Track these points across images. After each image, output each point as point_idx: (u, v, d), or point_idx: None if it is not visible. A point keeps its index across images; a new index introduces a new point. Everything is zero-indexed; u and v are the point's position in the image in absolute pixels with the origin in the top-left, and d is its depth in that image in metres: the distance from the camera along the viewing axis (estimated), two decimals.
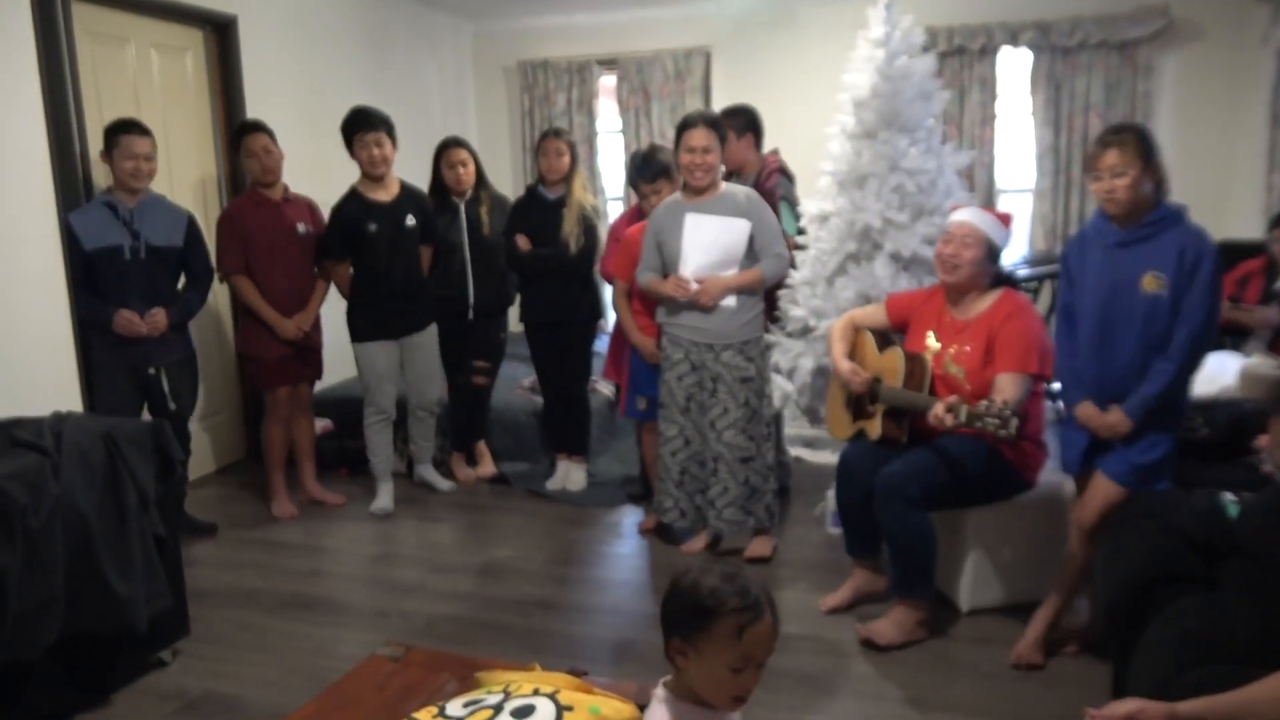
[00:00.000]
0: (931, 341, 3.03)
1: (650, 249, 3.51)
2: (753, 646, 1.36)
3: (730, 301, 3.39)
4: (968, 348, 2.93)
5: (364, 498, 4.38)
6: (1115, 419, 2.60)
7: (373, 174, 4.07)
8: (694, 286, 3.36)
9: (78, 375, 3.10)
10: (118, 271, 3.54)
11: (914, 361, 2.98)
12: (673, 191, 3.60)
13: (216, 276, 4.02)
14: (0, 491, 2.30)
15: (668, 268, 3.47)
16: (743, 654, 1.36)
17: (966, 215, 3.00)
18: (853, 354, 3.23)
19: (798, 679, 2.77)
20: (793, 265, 3.84)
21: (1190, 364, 2.56)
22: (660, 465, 3.61)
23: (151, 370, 3.67)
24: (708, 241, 3.36)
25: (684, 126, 3.38)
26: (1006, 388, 2.79)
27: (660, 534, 3.82)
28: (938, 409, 2.68)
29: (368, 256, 4.10)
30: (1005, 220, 3.04)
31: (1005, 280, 3.07)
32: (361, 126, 4.03)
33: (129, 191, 3.58)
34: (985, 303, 2.98)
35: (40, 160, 2.95)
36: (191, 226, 3.81)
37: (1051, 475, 3.09)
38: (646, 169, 3.75)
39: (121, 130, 3.54)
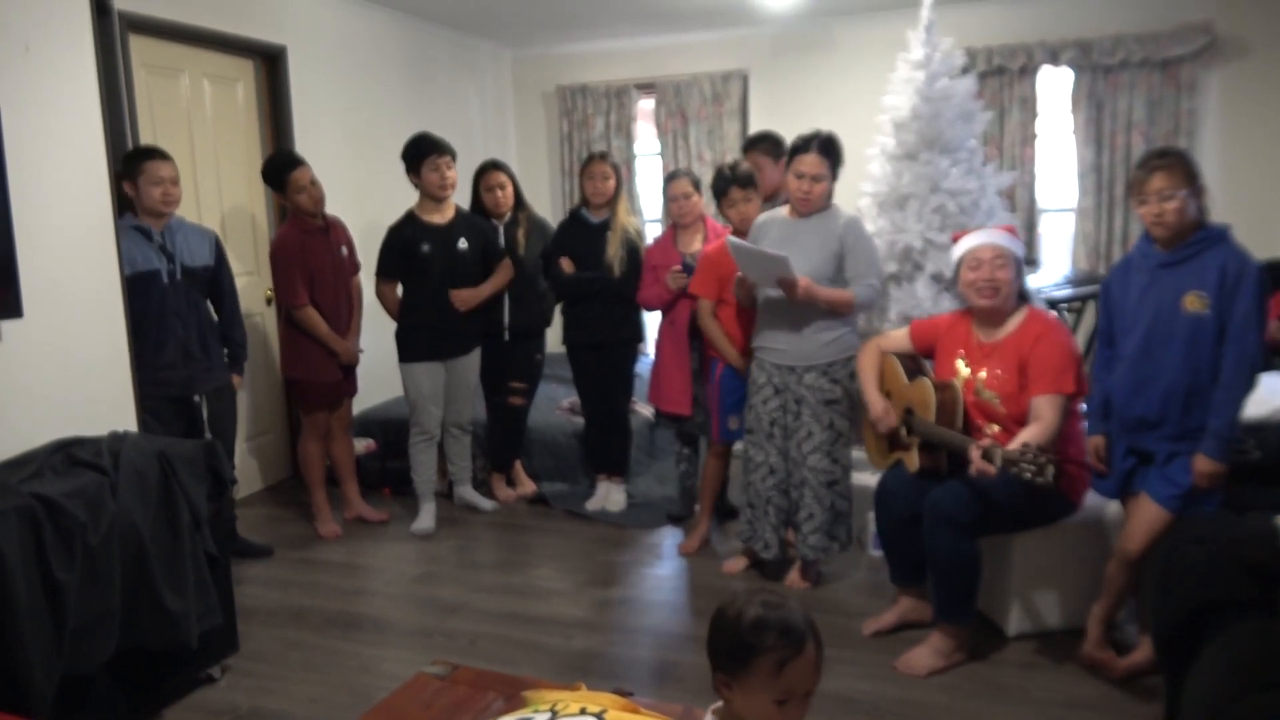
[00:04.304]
0: (961, 367, 2.99)
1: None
2: (793, 680, 1.35)
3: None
4: (1000, 372, 2.89)
5: (406, 517, 4.43)
6: (1208, 469, 2.55)
7: (439, 196, 4.15)
8: (803, 279, 3.22)
9: (133, 396, 3.17)
10: (157, 296, 3.50)
11: (944, 392, 2.94)
12: (757, 201, 3.67)
13: (278, 306, 4.08)
14: (61, 509, 2.37)
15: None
16: (784, 688, 1.35)
17: (986, 238, 2.97)
18: (881, 380, 3.20)
19: (841, 702, 2.75)
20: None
21: (1247, 387, 2.53)
22: (750, 493, 3.56)
23: (196, 398, 3.66)
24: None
25: (796, 150, 3.30)
26: (1045, 412, 2.76)
27: (755, 566, 3.71)
28: (975, 458, 2.63)
29: (420, 278, 4.17)
30: (1012, 231, 3.10)
31: (1025, 296, 3.04)
32: (431, 151, 4.12)
33: (157, 217, 3.55)
34: (1012, 323, 2.95)
35: (100, 186, 3.04)
36: (218, 244, 3.80)
37: (1095, 497, 3.04)
38: (734, 177, 3.67)
39: (145, 157, 3.53)
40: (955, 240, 3.09)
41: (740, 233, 3.67)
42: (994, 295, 2.91)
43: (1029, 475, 2.50)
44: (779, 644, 1.35)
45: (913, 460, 3.03)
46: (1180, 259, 2.57)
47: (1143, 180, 2.57)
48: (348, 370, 4.22)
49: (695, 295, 3.78)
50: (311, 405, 4.22)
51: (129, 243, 3.47)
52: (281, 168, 4.05)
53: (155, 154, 3.56)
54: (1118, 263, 2.90)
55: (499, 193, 4.38)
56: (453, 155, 4.18)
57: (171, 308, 3.55)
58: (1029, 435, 2.71)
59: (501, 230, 4.41)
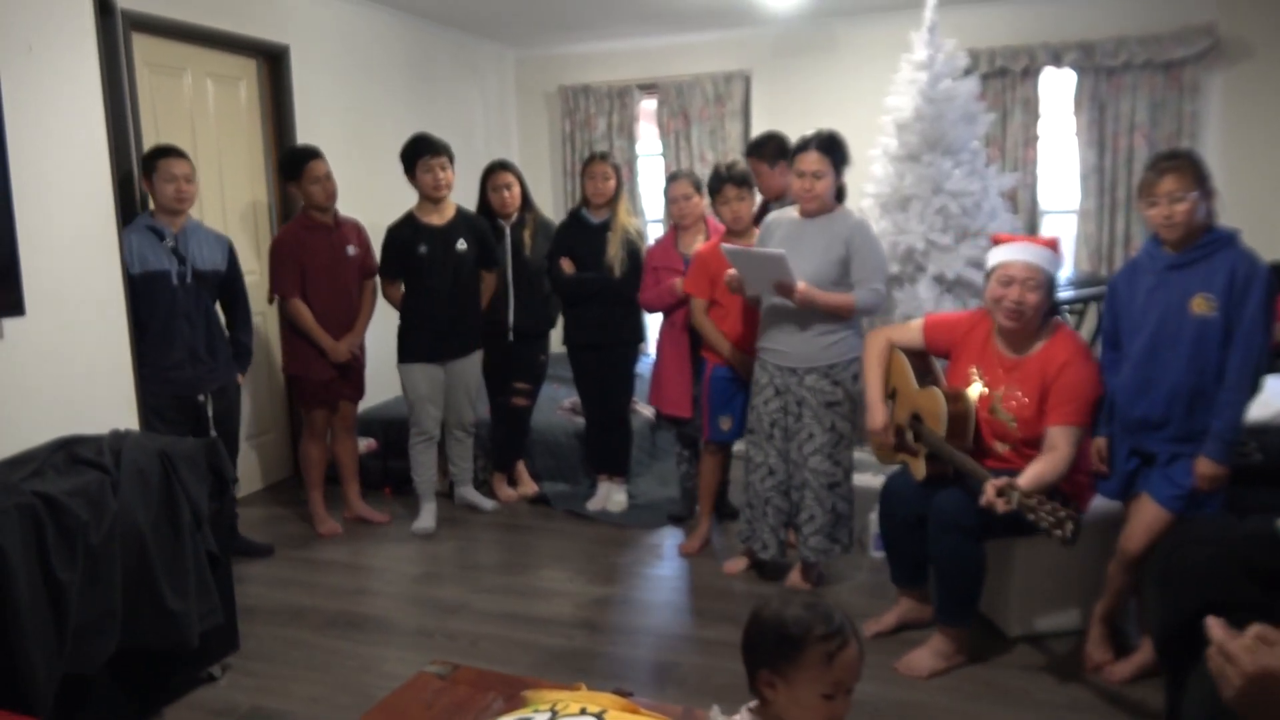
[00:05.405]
0: (976, 382, 2.93)
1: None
2: (843, 672, 1.39)
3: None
4: (1020, 393, 2.81)
5: (407, 517, 4.43)
6: (1210, 471, 2.55)
7: (434, 197, 4.16)
8: (800, 283, 3.22)
9: (135, 394, 3.18)
10: (166, 297, 3.53)
11: (956, 403, 2.86)
12: (751, 200, 3.70)
13: (270, 299, 4.11)
14: (63, 508, 2.37)
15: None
16: (833, 680, 1.38)
17: (1023, 254, 2.79)
18: (887, 377, 3.16)
19: None
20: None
21: (1252, 390, 2.54)
22: (750, 493, 3.56)
23: (200, 398, 3.68)
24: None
25: (796, 151, 3.31)
26: (1060, 443, 2.71)
27: (756, 567, 3.71)
28: (989, 493, 2.55)
29: (418, 278, 4.18)
30: (1055, 246, 2.87)
31: (1053, 308, 2.95)
32: (425, 152, 4.13)
33: (171, 215, 3.61)
34: (1038, 342, 2.84)
35: (103, 185, 3.05)
36: (232, 251, 3.85)
37: (1098, 500, 3.04)
38: (729, 175, 3.67)
39: (160, 155, 3.60)
40: (995, 242, 2.94)
41: (734, 232, 3.69)
42: (1018, 319, 2.80)
43: (1045, 526, 2.41)
44: (828, 635, 1.38)
45: (919, 468, 2.99)
46: (1189, 261, 2.57)
47: (1153, 182, 2.56)
48: (343, 370, 4.21)
49: (687, 294, 3.80)
50: (309, 403, 4.22)
51: (141, 241, 3.53)
52: (300, 158, 4.12)
53: (171, 152, 3.64)
54: (1124, 264, 2.90)
55: (506, 193, 4.38)
56: (449, 156, 4.18)
57: (180, 309, 3.59)
58: (1042, 467, 2.67)
59: (508, 231, 4.41)
